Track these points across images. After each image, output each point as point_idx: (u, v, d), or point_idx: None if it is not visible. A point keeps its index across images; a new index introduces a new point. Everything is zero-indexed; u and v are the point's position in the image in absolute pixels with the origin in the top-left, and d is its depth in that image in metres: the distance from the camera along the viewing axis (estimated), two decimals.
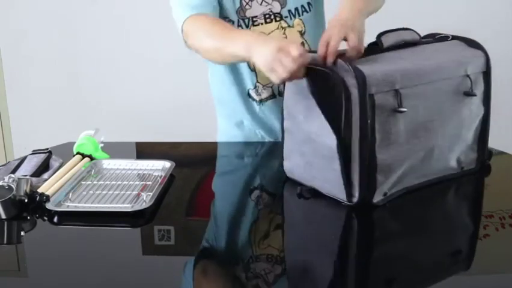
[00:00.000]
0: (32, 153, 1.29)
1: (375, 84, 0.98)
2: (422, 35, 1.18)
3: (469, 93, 1.11)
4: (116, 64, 2.53)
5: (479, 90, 1.13)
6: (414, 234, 0.98)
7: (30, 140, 2.21)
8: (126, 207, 1.04)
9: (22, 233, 1.03)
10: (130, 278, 0.85)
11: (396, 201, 1.06)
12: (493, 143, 1.25)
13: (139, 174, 1.23)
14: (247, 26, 1.32)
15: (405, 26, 1.13)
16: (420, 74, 1.04)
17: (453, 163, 1.13)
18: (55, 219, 1.03)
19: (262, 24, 1.32)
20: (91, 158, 1.28)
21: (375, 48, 1.07)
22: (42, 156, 1.26)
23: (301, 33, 1.35)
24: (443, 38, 1.17)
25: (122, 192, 1.12)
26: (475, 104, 1.13)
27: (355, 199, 1.02)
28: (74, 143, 1.32)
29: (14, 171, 1.19)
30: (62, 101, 2.61)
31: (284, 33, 1.33)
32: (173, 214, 1.10)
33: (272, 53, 1.00)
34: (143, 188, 1.14)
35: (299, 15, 1.33)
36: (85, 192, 1.12)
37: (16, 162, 1.25)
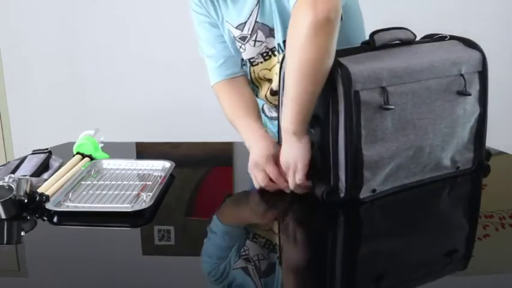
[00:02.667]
0: (32, 153, 1.29)
1: (361, 82, 1.00)
2: (421, 36, 1.18)
3: (463, 93, 1.11)
4: (116, 64, 2.53)
5: (474, 89, 1.13)
6: (407, 233, 0.99)
7: (30, 140, 2.22)
8: (126, 207, 1.04)
9: (22, 233, 1.03)
10: (130, 278, 0.85)
11: (388, 199, 1.06)
12: (493, 143, 1.25)
13: (139, 174, 1.23)
14: (248, 66, 1.30)
15: (401, 26, 1.13)
16: (409, 72, 1.05)
17: (447, 162, 1.13)
18: (55, 219, 1.03)
19: (261, 62, 1.28)
20: (91, 158, 1.28)
21: (367, 46, 1.08)
22: (42, 156, 1.26)
23: None
24: (440, 38, 1.18)
25: (122, 192, 1.12)
26: (470, 104, 1.13)
27: (342, 194, 1.03)
28: (74, 143, 1.32)
29: (14, 171, 1.19)
30: (62, 101, 2.61)
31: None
32: (173, 214, 1.10)
33: (250, 165, 1.15)
34: (143, 188, 1.14)
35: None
36: (84, 192, 1.12)
37: (16, 162, 1.25)
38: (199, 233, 1.03)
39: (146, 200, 1.06)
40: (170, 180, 1.20)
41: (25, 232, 1.03)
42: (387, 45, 1.09)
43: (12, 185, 1.04)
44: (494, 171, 1.22)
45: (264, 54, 1.27)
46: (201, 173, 1.33)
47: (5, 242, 1.01)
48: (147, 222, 1.03)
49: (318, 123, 1.06)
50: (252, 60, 1.28)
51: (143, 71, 2.52)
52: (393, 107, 1.03)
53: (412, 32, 1.13)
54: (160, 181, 1.16)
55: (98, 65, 2.55)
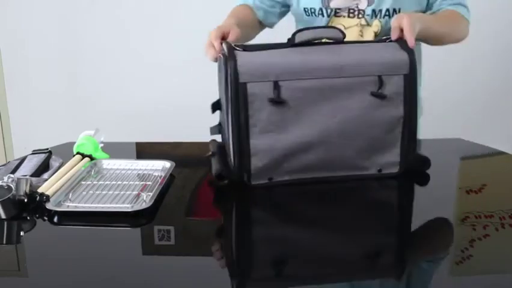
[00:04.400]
0: (32, 153, 1.29)
1: (249, 74, 1.07)
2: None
3: (376, 94, 1.10)
4: (116, 64, 2.53)
5: (395, 92, 1.12)
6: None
7: (30, 140, 2.22)
8: (126, 207, 1.04)
9: (22, 233, 1.03)
10: (130, 278, 0.85)
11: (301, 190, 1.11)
12: (493, 142, 1.25)
13: (139, 174, 1.23)
14: (328, 16, 1.37)
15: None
16: (308, 69, 1.09)
17: (363, 163, 1.14)
18: (55, 219, 1.03)
19: (344, 17, 1.35)
20: (91, 158, 1.28)
21: (287, 43, 1.13)
22: (42, 156, 1.26)
23: (376, 34, 1.37)
24: (384, 39, 1.19)
25: (122, 192, 1.12)
26: (391, 106, 1.12)
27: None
28: (74, 143, 1.32)
29: (14, 171, 1.19)
30: (62, 101, 2.61)
31: (361, 31, 1.36)
32: (173, 214, 1.10)
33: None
34: (143, 188, 1.14)
35: (380, 17, 1.35)
36: (85, 192, 1.12)
37: (16, 162, 1.25)
38: (199, 233, 1.03)
39: (146, 200, 1.06)
40: (170, 180, 1.20)
41: (25, 232, 1.03)
42: (311, 44, 1.14)
43: (12, 185, 1.04)
44: (494, 171, 1.22)
45: (350, 11, 1.34)
46: (201, 173, 1.33)
47: (5, 242, 1.01)
48: (147, 222, 1.03)
49: (221, 109, 1.17)
50: (337, 11, 1.35)
51: (144, 70, 2.53)
52: (284, 100, 1.08)
53: (343, 32, 1.15)
54: (160, 181, 1.16)
55: (98, 65, 2.55)
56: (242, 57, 1.09)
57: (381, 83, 1.10)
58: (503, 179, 1.24)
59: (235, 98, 1.07)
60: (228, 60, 1.08)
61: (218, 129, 1.25)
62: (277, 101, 1.08)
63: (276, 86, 1.07)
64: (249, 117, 1.08)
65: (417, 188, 1.21)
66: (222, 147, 1.25)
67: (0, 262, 0.94)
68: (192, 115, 2.46)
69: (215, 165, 1.17)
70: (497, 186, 1.20)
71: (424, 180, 1.19)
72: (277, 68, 1.08)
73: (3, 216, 1.02)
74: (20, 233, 1.03)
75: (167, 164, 1.25)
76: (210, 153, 1.24)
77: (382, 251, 0.92)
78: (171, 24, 2.45)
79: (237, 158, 1.10)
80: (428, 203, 1.10)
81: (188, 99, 2.48)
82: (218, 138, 1.29)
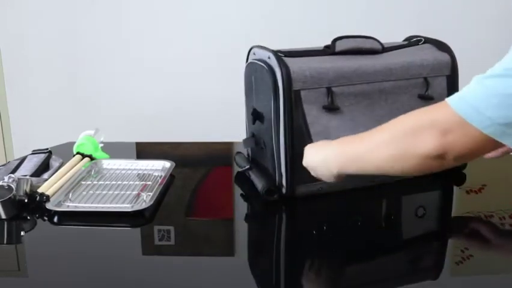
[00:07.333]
0: (32, 153, 1.29)
1: (302, 81, 1.01)
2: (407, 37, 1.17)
3: (424, 96, 1.10)
4: (116, 64, 2.53)
5: (440, 93, 1.11)
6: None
7: (30, 140, 2.22)
8: (126, 207, 1.04)
9: (22, 233, 1.03)
10: (130, 278, 0.85)
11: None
12: None
13: (139, 174, 1.23)
14: None
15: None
16: (359, 73, 1.05)
17: None
18: (55, 219, 1.03)
19: None
20: (91, 158, 1.28)
21: (327, 50, 1.09)
22: (42, 156, 1.26)
23: None
24: (416, 42, 1.18)
25: (122, 192, 1.12)
26: None
27: (284, 190, 1.06)
28: (74, 143, 1.32)
29: (14, 171, 1.19)
30: (62, 101, 2.61)
31: None
32: (173, 214, 1.10)
33: None
34: (143, 188, 1.14)
35: None
36: (85, 192, 1.12)
37: (16, 162, 1.25)
38: (199, 233, 1.03)
39: (146, 200, 1.06)
40: (170, 180, 1.20)
41: (25, 232, 1.03)
42: (350, 52, 1.09)
43: (12, 185, 1.04)
44: (494, 171, 1.22)
45: None
46: (201, 173, 1.33)
47: (5, 242, 1.01)
48: (147, 222, 1.03)
49: (261, 120, 1.08)
50: None
51: (144, 70, 2.53)
52: (338, 107, 1.03)
53: (380, 42, 1.12)
54: (160, 181, 1.16)
55: (98, 65, 2.55)
56: (292, 63, 1.02)
57: (427, 84, 1.10)
58: (503, 179, 1.24)
59: (289, 107, 1.01)
60: (279, 67, 1.01)
61: (253, 141, 1.16)
62: (331, 108, 1.03)
63: (330, 92, 1.02)
64: (304, 125, 1.02)
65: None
66: (254, 161, 1.19)
67: (0, 262, 0.94)
68: (191, 115, 2.47)
69: (260, 182, 1.10)
70: (497, 186, 1.20)
71: (460, 179, 1.19)
72: (330, 74, 1.03)
73: (4, 216, 1.02)
74: (20, 233, 1.03)
75: (167, 164, 1.25)
76: (247, 167, 1.17)
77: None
78: (172, 25, 2.45)
79: (289, 171, 1.03)
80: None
81: (189, 100, 2.48)
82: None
